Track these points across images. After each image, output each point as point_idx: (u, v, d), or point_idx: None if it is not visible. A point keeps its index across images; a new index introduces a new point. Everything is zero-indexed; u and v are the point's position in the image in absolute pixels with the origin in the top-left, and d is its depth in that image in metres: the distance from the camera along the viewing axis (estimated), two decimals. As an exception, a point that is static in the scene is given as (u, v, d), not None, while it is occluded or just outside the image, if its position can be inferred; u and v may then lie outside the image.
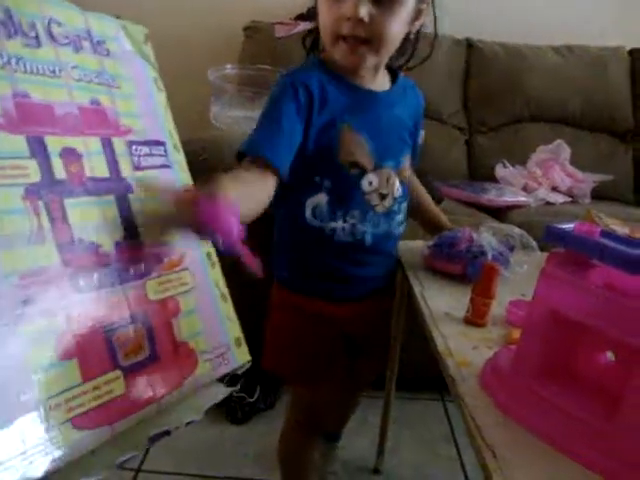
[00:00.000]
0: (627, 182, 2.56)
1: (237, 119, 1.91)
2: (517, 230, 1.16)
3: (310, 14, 2.45)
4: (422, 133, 1.25)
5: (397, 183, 1.11)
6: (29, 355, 0.56)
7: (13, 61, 0.63)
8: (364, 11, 0.95)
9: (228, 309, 0.82)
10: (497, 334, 0.92)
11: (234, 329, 0.82)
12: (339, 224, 1.06)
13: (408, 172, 1.16)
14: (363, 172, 1.06)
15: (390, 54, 1.07)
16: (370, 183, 1.06)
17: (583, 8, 2.71)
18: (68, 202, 0.64)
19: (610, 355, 0.71)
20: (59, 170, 0.64)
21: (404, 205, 1.16)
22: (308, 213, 1.07)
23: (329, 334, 1.16)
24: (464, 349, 0.86)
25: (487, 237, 1.10)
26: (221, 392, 0.77)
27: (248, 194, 0.87)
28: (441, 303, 1.01)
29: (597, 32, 2.66)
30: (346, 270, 1.12)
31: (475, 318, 0.94)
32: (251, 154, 0.96)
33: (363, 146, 1.05)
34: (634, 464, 0.59)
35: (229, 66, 2.02)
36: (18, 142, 0.61)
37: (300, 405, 1.29)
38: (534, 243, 1.13)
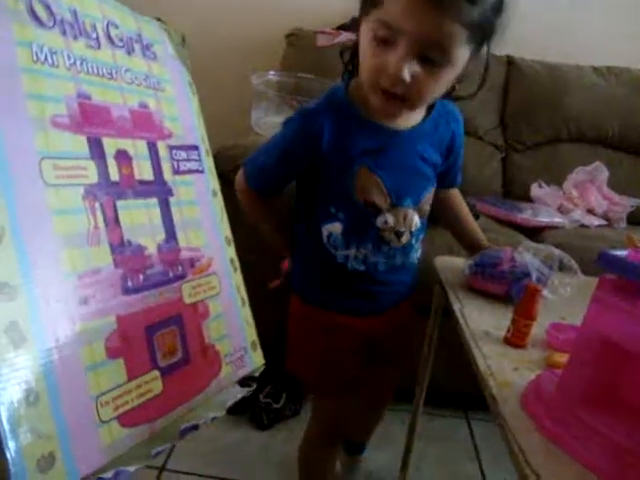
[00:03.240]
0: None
1: (277, 125, 1.91)
2: (557, 251, 1.15)
3: (353, 25, 2.47)
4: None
5: (415, 218, 1.10)
6: (82, 353, 0.56)
7: (78, 62, 0.63)
8: (407, 72, 0.89)
9: (246, 313, 0.84)
10: (537, 356, 0.91)
11: (251, 333, 0.84)
12: (352, 252, 1.08)
13: (428, 206, 1.14)
14: (379, 211, 1.06)
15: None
16: (385, 222, 1.06)
17: (624, 29, 2.69)
18: (119, 204, 0.64)
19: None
20: (114, 172, 0.65)
21: (421, 236, 1.15)
22: (324, 237, 1.08)
23: (350, 345, 1.16)
24: (504, 370, 0.85)
25: (529, 257, 1.09)
26: (239, 392, 0.79)
27: (279, 219, 1.20)
28: (480, 322, 1.00)
29: (638, 54, 2.64)
30: (368, 288, 1.13)
31: (516, 339, 0.93)
32: (247, 183, 1.12)
33: (380, 186, 1.04)
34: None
35: (272, 72, 2.04)
36: (80, 142, 0.61)
37: (322, 415, 1.29)
38: (576, 265, 1.11)
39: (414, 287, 1.23)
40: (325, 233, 1.08)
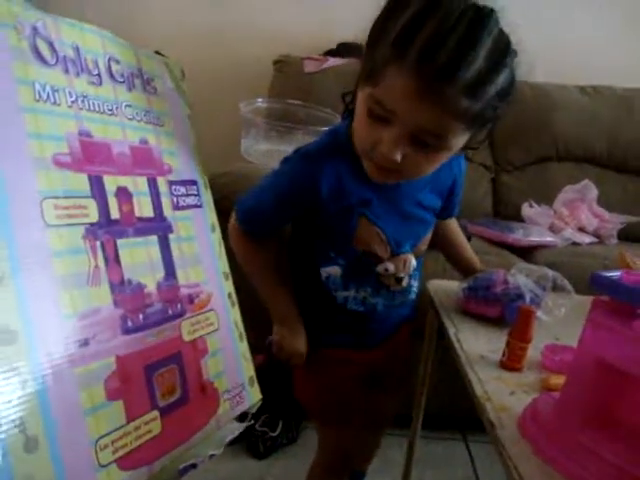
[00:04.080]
0: (655, 224, 2.53)
1: (266, 153, 1.92)
2: (550, 272, 1.15)
3: (340, 50, 2.50)
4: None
5: (414, 262, 1.08)
6: (82, 397, 0.56)
7: (80, 99, 0.64)
8: (399, 155, 0.84)
9: (244, 348, 0.83)
10: (533, 379, 0.90)
11: (249, 368, 0.83)
12: (351, 293, 1.07)
13: (425, 245, 1.13)
14: (380, 260, 1.04)
15: None
16: (386, 269, 1.05)
17: (609, 48, 2.73)
18: (120, 242, 0.64)
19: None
20: (114, 210, 0.65)
21: (418, 273, 1.14)
22: (323, 278, 1.07)
23: (353, 375, 1.15)
24: (501, 394, 0.85)
25: (522, 279, 1.09)
26: (236, 428, 0.78)
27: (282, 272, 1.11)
28: (475, 346, 1.00)
29: (623, 72, 2.68)
30: (366, 326, 1.13)
31: (511, 362, 0.93)
32: (240, 225, 1.06)
33: (380, 237, 1.02)
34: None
35: (260, 100, 2.04)
36: (81, 181, 0.61)
37: (328, 445, 1.28)
38: (569, 286, 1.12)
39: (413, 315, 1.23)
40: (324, 275, 1.06)
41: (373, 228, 1.01)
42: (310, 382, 1.19)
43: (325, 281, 1.07)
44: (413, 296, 1.15)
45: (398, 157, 0.85)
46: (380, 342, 1.17)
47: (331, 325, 1.12)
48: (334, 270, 1.05)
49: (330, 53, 2.53)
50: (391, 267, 1.05)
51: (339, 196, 0.99)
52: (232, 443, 1.72)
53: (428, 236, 1.12)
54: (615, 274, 0.66)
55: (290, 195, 1.02)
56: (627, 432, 0.67)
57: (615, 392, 0.68)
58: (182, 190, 0.76)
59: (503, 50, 0.81)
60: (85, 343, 0.57)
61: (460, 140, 0.87)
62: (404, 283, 1.08)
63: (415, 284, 1.14)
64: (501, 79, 0.81)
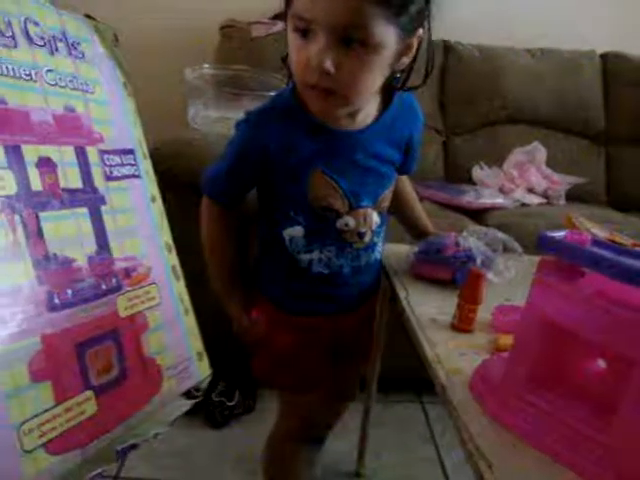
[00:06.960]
0: (600, 184, 2.59)
1: (214, 120, 1.89)
2: (500, 234, 1.16)
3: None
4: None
5: (375, 217, 1.08)
6: (2, 379, 0.52)
7: None
8: (329, 62, 0.84)
9: (191, 323, 0.80)
10: (484, 340, 0.91)
11: (196, 343, 0.80)
12: (315, 255, 1.06)
13: (387, 201, 1.11)
14: (338, 215, 1.03)
15: (369, 98, 0.98)
16: (346, 224, 1.04)
17: (558, 12, 2.74)
18: (43, 215, 0.60)
19: (602, 363, 0.71)
20: (35, 181, 0.60)
21: (382, 231, 1.13)
22: (287, 242, 1.06)
23: (317, 344, 1.15)
24: (452, 356, 0.86)
25: (474, 241, 1.10)
26: (184, 405, 0.76)
27: (234, 246, 1.12)
28: (426, 309, 1.00)
29: (570, 36, 2.70)
30: (329, 292, 1.12)
31: (462, 324, 0.94)
32: (205, 194, 1.10)
33: (336, 190, 1.01)
34: (628, 472, 0.59)
35: (206, 66, 1.99)
36: None
37: (292, 414, 1.28)
38: (519, 248, 1.13)
39: (379, 283, 1.22)
40: (287, 238, 1.05)
41: (327, 180, 1.01)
42: (270, 349, 1.17)
43: (289, 244, 1.06)
44: (378, 256, 1.15)
45: (329, 65, 0.85)
46: (346, 311, 1.16)
47: (296, 291, 1.12)
48: (296, 231, 1.04)
49: (277, 17, 2.47)
50: (351, 222, 1.04)
51: (288, 151, 0.99)
52: (190, 414, 1.72)
53: (389, 191, 1.11)
54: (560, 234, 0.66)
55: (243, 156, 1.03)
56: (571, 390, 0.68)
57: (560, 351, 0.69)
58: (116, 160, 0.72)
59: None
60: (4, 322, 0.53)
61: (387, 36, 0.85)
62: (367, 239, 1.07)
63: (379, 242, 1.13)
64: None
